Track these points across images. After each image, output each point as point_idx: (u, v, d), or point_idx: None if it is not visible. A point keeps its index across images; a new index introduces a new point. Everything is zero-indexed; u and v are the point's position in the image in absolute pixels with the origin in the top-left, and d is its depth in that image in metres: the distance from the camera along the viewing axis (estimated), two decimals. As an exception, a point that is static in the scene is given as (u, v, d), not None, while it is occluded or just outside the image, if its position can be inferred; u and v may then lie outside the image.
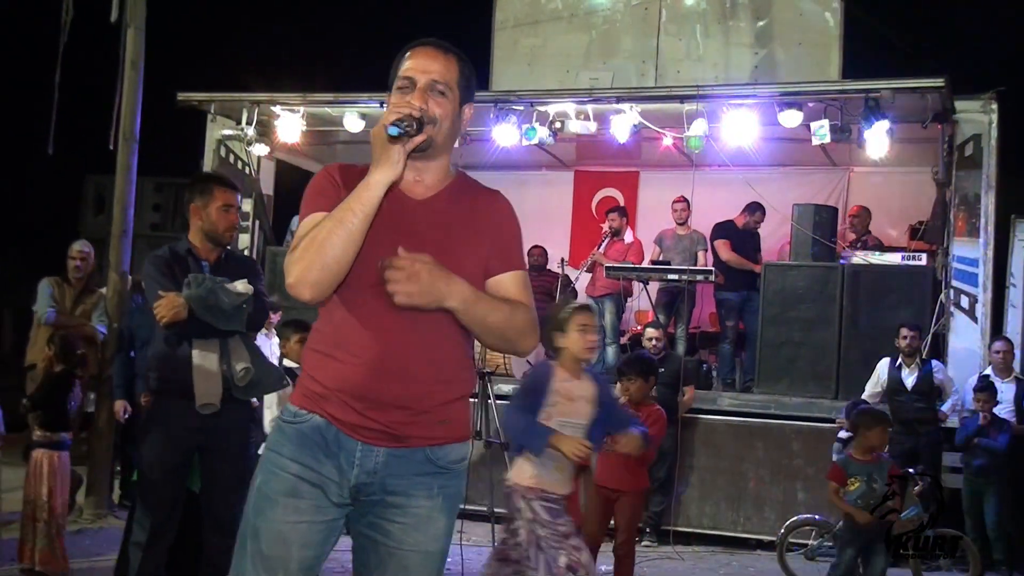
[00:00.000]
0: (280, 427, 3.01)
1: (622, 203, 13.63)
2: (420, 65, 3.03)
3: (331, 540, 2.99)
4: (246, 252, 12.34)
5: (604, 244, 12.12)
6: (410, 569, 2.98)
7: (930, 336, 10.16)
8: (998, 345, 9.61)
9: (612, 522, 6.90)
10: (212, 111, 12.80)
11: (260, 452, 3.14)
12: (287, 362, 6.57)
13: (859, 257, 11.03)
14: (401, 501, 2.96)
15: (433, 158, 3.03)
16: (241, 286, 5.19)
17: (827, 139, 10.50)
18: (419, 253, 2.81)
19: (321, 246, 2.84)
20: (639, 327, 11.81)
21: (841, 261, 10.97)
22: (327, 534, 2.97)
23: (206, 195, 5.33)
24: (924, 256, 10.82)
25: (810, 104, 10.60)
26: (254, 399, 6.56)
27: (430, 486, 2.98)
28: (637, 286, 12.19)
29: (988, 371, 9.57)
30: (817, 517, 8.82)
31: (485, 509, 7.63)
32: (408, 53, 3.07)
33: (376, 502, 2.96)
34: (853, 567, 6.82)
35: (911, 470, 8.58)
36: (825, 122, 10.42)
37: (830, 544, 8.49)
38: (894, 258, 10.96)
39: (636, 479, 6.81)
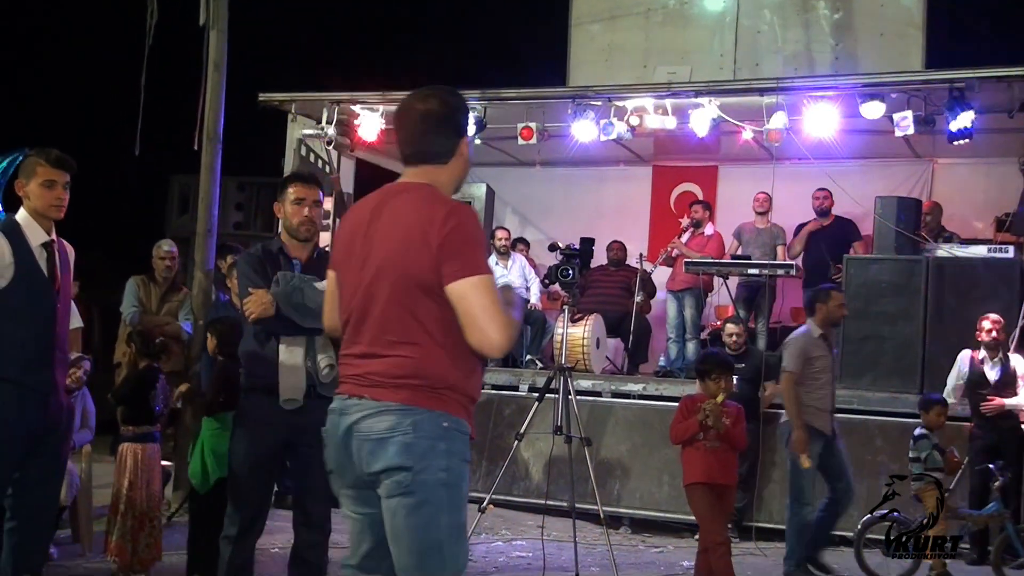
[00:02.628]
0: (461, 438, 3.41)
1: (702, 197, 13.57)
2: None
3: None
4: (328, 250, 12.45)
5: (686, 236, 12.08)
6: None
7: (1018, 330, 9.97)
8: None
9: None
10: (293, 111, 12.96)
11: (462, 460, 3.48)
12: None
13: (944, 250, 10.85)
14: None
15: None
16: (330, 285, 5.25)
17: (911, 131, 10.37)
18: None
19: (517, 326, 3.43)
20: (719, 322, 11.74)
21: (924, 254, 10.80)
22: None
23: (282, 192, 5.42)
24: (1011, 248, 10.61)
25: (892, 95, 10.45)
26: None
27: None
28: (717, 281, 12.12)
29: None
30: (896, 514, 8.72)
31: (566, 504, 7.64)
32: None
33: None
34: None
35: (991, 465, 8.47)
36: (908, 113, 10.28)
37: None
38: (980, 250, 10.75)
39: (733, 472, 7.04)
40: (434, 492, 3.28)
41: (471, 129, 11.79)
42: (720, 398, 6.88)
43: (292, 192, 5.36)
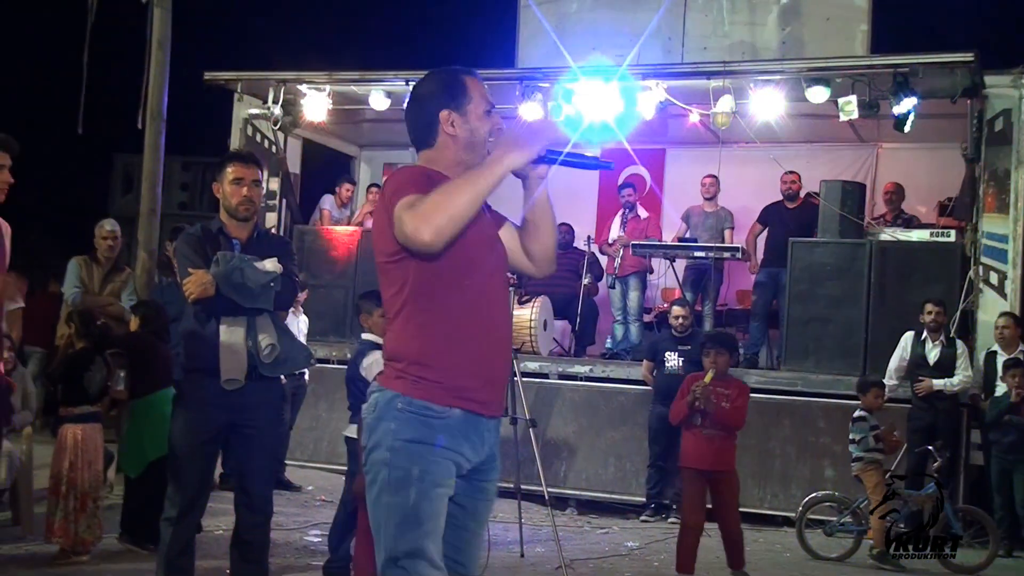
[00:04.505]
0: (426, 422, 3.28)
1: (649, 181, 13.61)
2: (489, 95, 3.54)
3: None
4: (272, 231, 12.39)
5: (624, 221, 12.12)
6: (488, 512, 3.53)
7: (959, 312, 10.11)
8: (1000, 320, 9.51)
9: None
10: (239, 90, 12.84)
11: (383, 442, 3.32)
12: (370, 336, 6.49)
13: (887, 234, 10.97)
14: (493, 475, 3.49)
15: None
16: (270, 264, 5.20)
17: (855, 115, 10.46)
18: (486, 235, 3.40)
19: (452, 198, 3.13)
20: (665, 304, 11.81)
21: (868, 238, 10.90)
22: None
23: (221, 171, 5.35)
24: (953, 233, 10.75)
25: (837, 80, 10.54)
26: (283, 376, 6.63)
27: (498, 459, 3.53)
28: (663, 263, 12.17)
29: (995, 347, 9.51)
30: (836, 494, 8.84)
31: (511, 486, 7.65)
32: (477, 79, 3.51)
33: (484, 469, 3.43)
34: None
35: (929, 447, 8.60)
36: (853, 98, 10.37)
37: (849, 520, 8.52)
38: (922, 234, 10.89)
39: (729, 459, 7.02)
40: (378, 471, 3.28)
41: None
42: (708, 377, 6.94)
43: (231, 172, 5.29)
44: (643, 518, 9.73)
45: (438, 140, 3.44)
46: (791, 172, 11.64)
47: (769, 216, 11.69)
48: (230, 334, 5.12)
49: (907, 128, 10.27)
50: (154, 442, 6.64)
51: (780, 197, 11.69)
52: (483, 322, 3.35)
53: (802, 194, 11.62)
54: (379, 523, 3.29)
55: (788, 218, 11.49)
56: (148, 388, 6.97)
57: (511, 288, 8.84)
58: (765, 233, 11.76)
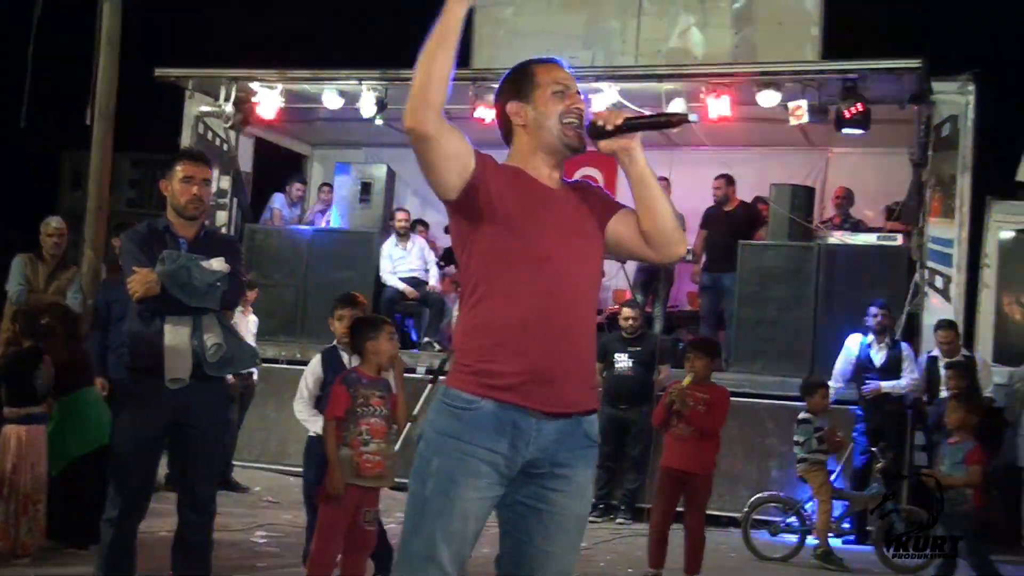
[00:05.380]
0: (454, 412, 3.18)
1: (602, 182, 13.64)
2: (566, 76, 3.37)
3: (490, 512, 3.25)
4: (223, 229, 12.32)
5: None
6: (570, 532, 3.28)
7: (904, 316, 10.23)
8: (940, 335, 9.61)
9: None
10: (190, 87, 12.76)
11: (425, 434, 3.26)
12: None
13: (835, 237, 11.08)
14: (567, 472, 3.23)
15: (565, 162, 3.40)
16: (217, 264, 5.16)
17: (804, 120, 10.56)
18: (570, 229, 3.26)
19: (417, 73, 3.05)
20: (616, 306, 11.84)
21: (817, 241, 11.01)
22: (491, 507, 3.23)
23: (169, 169, 5.31)
24: (900, 236, 10.88)
25: (788, 85, 10.63)
26: (229, 376, 6.58)
27: (587, 458, 3.29)
28: (615, 265, 12.20)
29: (935, 352, 9.63)
30: (781, 494, 8.93)
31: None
32: (548, 64, 3.38)
33: (543, 474, 3.22)
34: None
35: (874, 448, 8.70)
36: (803, 103, 10.46)
37: (793, 521, 8.60)
38: (870, 238, 11.02)
39: (703, 461, 7.06)
40: (415, 461, 3.25)
41: (369, 111, 11.73)
42: (686, 380, 7.01)
43: (180, 170, 5.25)
44: (591, 519, 9.74)
45: (513, 135, 3.39)
46: (719, 177, 11.69)
47: (708, 220, 11.76)
48: (175, 333, 5.08)
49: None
50: (77, 440, 6.67)
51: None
52: (541, 312, 3.15)
53: (739, 197, 11.69)
54: (405, 513, 3.22)
55: (723, 221, 11.57)
56: (68, 388, 6.90)
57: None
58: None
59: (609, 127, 3.22)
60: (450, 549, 3.12)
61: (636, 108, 11.16)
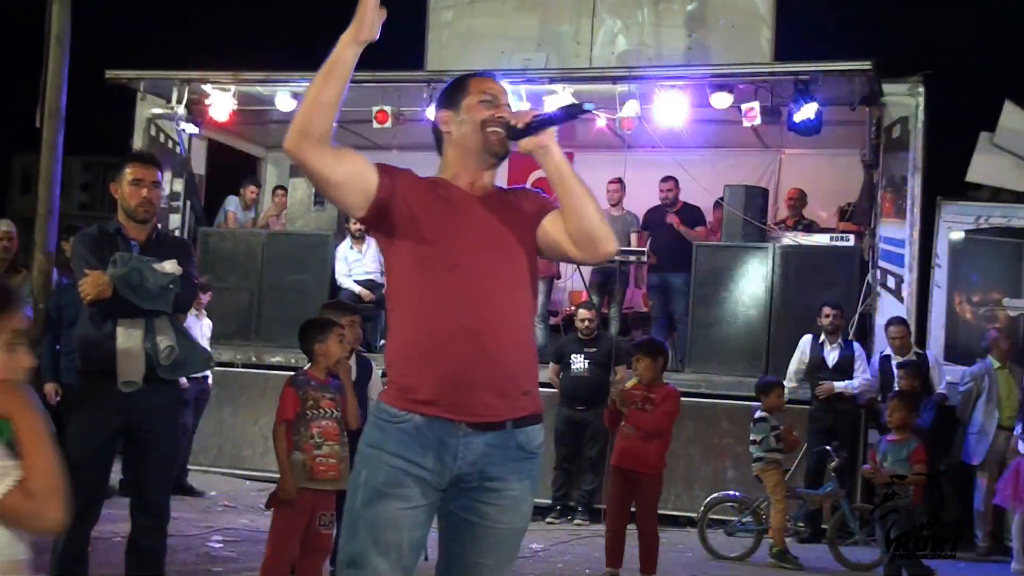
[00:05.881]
0: (380, 425, 3.20)
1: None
2: (497, 88, 3.37)
3: (432, 519, 3.25)
4: (176, 232, 12.21)
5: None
6: (504, 545, 3.27)
7: (857, 315, 10.33)
8: (892, 330, 9.71)
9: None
10: (141, 89, 12.65)
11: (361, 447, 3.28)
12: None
13: (788, 238, 11.16)
14: (498, 486, 3.21)
15: (493, 167, 3.37)
16: (169, 266, 5.13)
17: (757, 121, 10.65)
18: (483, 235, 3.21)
19: (305, 97, 3.10)
20: (572, 307, 11.87)
21: (771, 242, 11.09)
22: (429, 515, 3.22)
23: (119, 171, 5.28)
24: (852, 237, 10.98)
25: (740, 86, 10.70)
26: (183, 380, 6.52)
27: (521, 471, 3.24)
28: (565, 267, 12.24)
29: (887, 351, 9.73)
30: (737, 494, 8.99)
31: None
32: (483, 77, 3.40)
33: (473, 487, 3.20)
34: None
35: (827, 447, 8.78)
36: (755, 104, 10.54)
37: (749, 520, 8.66)
38: (823, 239, 11.11)
39: (649, 460, 7.08)
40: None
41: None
42: (631, 382, 7.10)
43: (129, 172, 5.22)
44: (548, 520, 9.76)
45: (442, 143, 3.39)
46: (667, 179, 11.76)
47: (651, 221, 11.82)
48: (127, 336, 5.04)
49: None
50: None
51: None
52: (450, 320, 3.13)
53: (682, 198, 11.78)
54: (342, 523, 3.26)
55: (668, 222, 11.65)
56: None
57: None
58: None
59: (520, 125, 3.20)
60: (387, 559, 3.12)
61: (591, 110, 11.22)
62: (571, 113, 3.27)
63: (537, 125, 3.19)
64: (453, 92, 3.38)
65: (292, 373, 5.84)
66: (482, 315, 3.15)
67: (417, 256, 3.19)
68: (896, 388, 9.29)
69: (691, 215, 11.73)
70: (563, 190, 3.22)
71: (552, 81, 11.18)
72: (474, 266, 3.18)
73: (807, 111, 10.26)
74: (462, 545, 3.25)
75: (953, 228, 11.05)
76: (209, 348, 8.48)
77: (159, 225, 5.57)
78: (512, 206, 3.34)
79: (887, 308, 10.41)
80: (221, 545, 7.65)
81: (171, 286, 5.12)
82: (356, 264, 11.86)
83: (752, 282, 10.71)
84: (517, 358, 3.24)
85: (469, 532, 3.23)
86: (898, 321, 9.80)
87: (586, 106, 3.26)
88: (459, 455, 3.15)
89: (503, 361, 3.18)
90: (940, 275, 10.85)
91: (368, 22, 3.12)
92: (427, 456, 3.13)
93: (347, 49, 3.11)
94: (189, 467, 9.99)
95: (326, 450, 5.40)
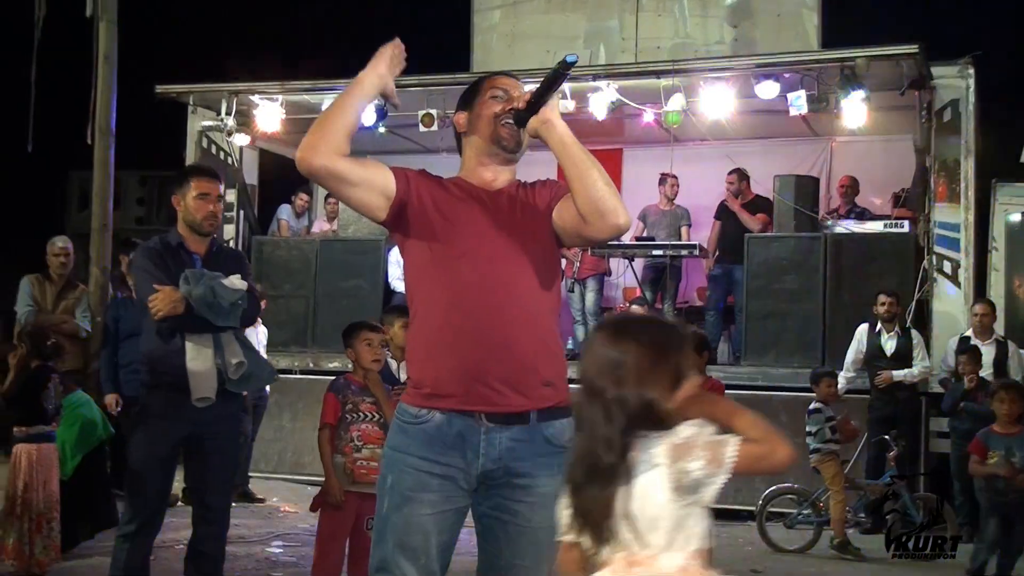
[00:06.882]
0: (403, 427, 3.21)
1: (607, 180, 13.62)
2: (509, 83, 3.38)
3: (462, 521, 3.23)
4: (231, 242, 12.35)
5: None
6: (540, 543, 3.15)
7: (914, 302, 10.22)
8: (978, 308, 9.62)
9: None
10: (192, 102, 12.78)
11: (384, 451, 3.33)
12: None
13: (842, 227, 11.06)
14: (527, 482, 3.17)
15: (512, 163, 3.40)
16: (238, 282, 5.17)
17: (804, 109, 10.56)
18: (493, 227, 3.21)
19: (321, 119, 3.18)
20: (626, 304, 11.85)
21: (823, 231, 11.00)
22: (458, 517, 3.21)
23: (183, 185, 5.34)
24: (907, 223, 10.86)
25: (786, 75, 10.61)
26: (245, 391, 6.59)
27: (551, 466, 3.14)
28: (616, 264, 12.21)
29: (968, 333, 9.61)
30: (796, 486, 8.91)
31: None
32: (499, 75, 3.45)
33: (501, 485, 3.18)
34: (997, 536, 7.20)
35: (886, 436, 8.68)
36: (801, 92, 10.46)
37: (809, 512, 8.58)
38: (876, 226, 10.99)
39: None
40: None
41: (370, 119, 11.69)
42: None
43: (195, 187, 5.28)
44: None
45: (461, 143, 3.43)
46: (732, 172, 11.71)
47: (721, 212, 11.78)
48: (198, 352, 5.09)
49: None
50: (81, 442, 7.00)
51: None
52: (460, 310, 3.14)
53: (748, 190, 11.70)
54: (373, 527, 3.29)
55: (735, 214, 11.58)
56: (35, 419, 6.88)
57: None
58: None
59: (522, 105, 3.22)
60: (415, 564, 3.12)
61: (636, 105, 11.20)
62: (559, 72, 3.22)
63: (536, 99, 3.20)
64: (468, 93, 3.41)
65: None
66: (496, 303, 3.14)
67: (429, 251, 3.21)
68: (955, 374, 9.19)
69: (760, 206, 11.62)
70: (568, 160, 3.17)
71: (596, 78, 11.14)
72: (485, 254, 3.19)
73: (854, 98, 10.15)
74: (498, 546, 3.24)
75: (1009, 210, 10.89)
76: (265, 355, 8.57)
77: (216, 236, 5.63)
78: (527, 198, 3.35)
79: (944, 294, 10.28)
80: (281, 550, 7.73)
81: (240, 302, 5.18)
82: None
83: (806, 272, 10.62)
84: (534, 348, 3.19)
85: (503, 532, 3.22)
86: (984, 301, 9.70)
87: (568, 58, 3.17)
88: (482, 452, 3.14)
89: (516, 350, 3.15)
90: (997, 258, 10.69)
91: (386, 58, 3.24)
92: (451, 454, 3.13)
93: (361, 84, 3.21)
94: (250, 474, 10.10)
95: (366, 453, 5.43)
